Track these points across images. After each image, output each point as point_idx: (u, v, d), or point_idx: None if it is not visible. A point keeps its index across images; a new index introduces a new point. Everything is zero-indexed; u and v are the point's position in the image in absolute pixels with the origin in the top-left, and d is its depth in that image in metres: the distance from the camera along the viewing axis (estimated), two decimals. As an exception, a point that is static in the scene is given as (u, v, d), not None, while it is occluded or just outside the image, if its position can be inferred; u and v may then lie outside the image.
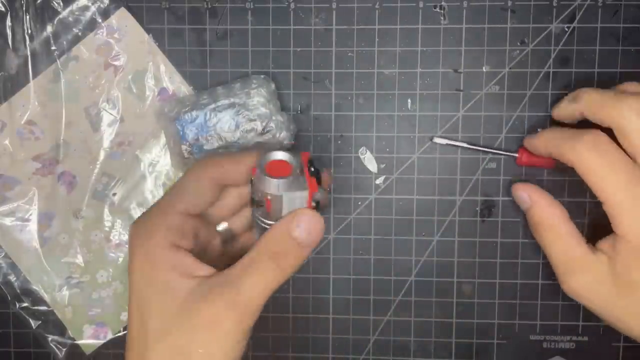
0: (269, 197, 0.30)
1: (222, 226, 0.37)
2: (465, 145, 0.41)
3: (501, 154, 0.41)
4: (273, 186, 0.30)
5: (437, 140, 0.41)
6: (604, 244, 0.35)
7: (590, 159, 0.33)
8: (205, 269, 0.31)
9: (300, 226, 0.30)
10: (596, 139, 0.33)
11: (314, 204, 0.31)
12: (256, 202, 0.31)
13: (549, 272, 0.42)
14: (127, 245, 0.44)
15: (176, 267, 0.30)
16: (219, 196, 0.35)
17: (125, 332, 0.44)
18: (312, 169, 0.32)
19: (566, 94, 0.38)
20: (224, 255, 0.36)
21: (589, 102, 0.35)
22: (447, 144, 0.41)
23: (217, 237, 0.36)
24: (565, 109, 0.37)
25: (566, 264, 0.36)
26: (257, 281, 0.30)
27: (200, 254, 0.32)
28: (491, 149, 0.41)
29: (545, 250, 0.37)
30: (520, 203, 0.39)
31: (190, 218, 0.33)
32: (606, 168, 0.33)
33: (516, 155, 0.41)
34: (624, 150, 0.33)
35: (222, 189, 0.34)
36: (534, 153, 0.39)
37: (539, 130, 0.39)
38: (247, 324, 0.30)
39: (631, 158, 0.33)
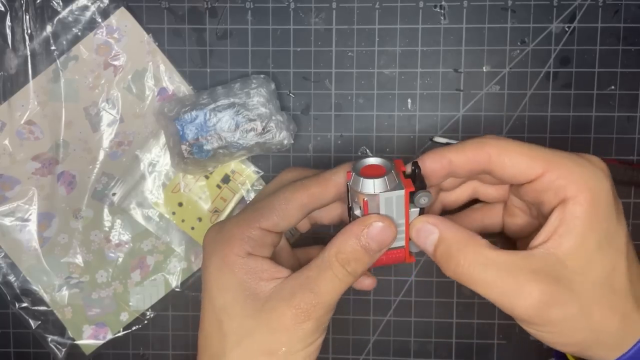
0: (365, 199, 0.30)
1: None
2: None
3: None
4: (369, 186, 0.30)
5: (438, 139, 0.41)
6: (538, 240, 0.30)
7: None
8: (281, 271, 0.31)
9: (368, 235, 0.30)
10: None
11: (414, 206, 0.30)
12: (353, 216, 0.31)
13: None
14: (127, 245, 0.44)
15: (254, 271, 0.31)
16: (303, 217, 0.33)
17: (125, 332, 0.44)
18: (408, 172, 0.31)
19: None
20: (292, 256, 0.37)
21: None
22: (447, 144, 0.41)
23: (283, 237, 0.36)
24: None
25: (514, 280, 0.28)
26: (331, 284, 0.31)
27: (274, 255, 0.34)
28: None
29: (479, 281, 0.29)
30: (425, 239, 0.31)
31: (271, 233, 0.32)
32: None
33: None
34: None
35: (308, 211, 0.33)
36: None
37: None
38: (325, 322, 0.31)
39: None
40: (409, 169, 0.31)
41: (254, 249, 0.32)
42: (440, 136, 0.42)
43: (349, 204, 0.31)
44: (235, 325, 0.31)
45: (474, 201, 0.36)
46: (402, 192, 0.30)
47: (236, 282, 0.31)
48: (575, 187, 0.28)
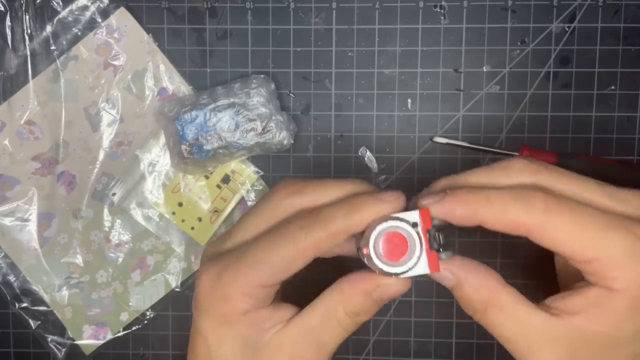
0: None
1: None
2: (465, 144, 0.41)
3: (501, 154, 0.41)
4: (388, 270, 0.27)
5: (438, 139, 0.41)
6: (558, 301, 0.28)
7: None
8: (283, 311, 0.30)
9: (382, 293, 0.29)
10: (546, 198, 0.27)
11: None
12: (362, 255, 0.28)
13: (549, 271, 0.42)
14: (127, 245, 0.44)
15: (256, 324, 0.29)
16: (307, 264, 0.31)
17: (125, 332, 0.44)
18: (435, 238, 0.28)
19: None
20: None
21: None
22: (447, 143, 0.41)
23: None
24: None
25: (530, 341, 0.28)
26: (336, 334, 0.29)
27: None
28: (491, 148, 0.41)
29: (496, 333, 0.29)
30: (442, 281, 0.30)
31: (274, 285, 0.30)
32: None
33: (517, 154, 0.41)
34: None
35: (313, 258, 0.30)
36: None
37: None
38: None
39: None
40: (432, 231, 0.28)
41: (254, 305, 0.29)
42: (441, 136, 0.42)
43: (358, 245, 0.29)
44: None
45: None
46: (424, 271, 0.28)
47: (236, 335, 0.29)
48: (624, 284, 0.26)
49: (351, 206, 0.28)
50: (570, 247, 0.27)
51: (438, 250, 0.28)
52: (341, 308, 0.29)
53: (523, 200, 0.27)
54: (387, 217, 0.27)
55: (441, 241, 0.28)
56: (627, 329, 0.27)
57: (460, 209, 0.27)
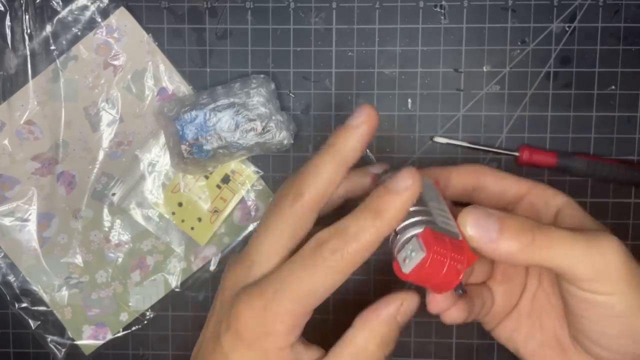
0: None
1: None
2: (465, 144, 0.41)
3: (502, 154, 0.41)
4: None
5: (438, 139, 0.41)
6: None
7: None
8: (312, 353, 0.30)
9: (405, 312, 0.29)
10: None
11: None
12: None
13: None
14: (126, 245, 0.43)
15: None
16: None
17: (125, 332, 0.44)
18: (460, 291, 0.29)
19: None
20: None
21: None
22: (447, 144, 0.41)
23: None
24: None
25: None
26: None
27: None
28: (492, 148, 0.41)
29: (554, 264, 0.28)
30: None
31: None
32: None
33: (517, 154, 0.41)
34: None
35: None
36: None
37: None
38: None
39: None
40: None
41: (295, 336, 0.29)
42: (441, 136, 0.42)
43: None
44: None
45: None
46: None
47: None
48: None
49: (376, 212, 0.27)
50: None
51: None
52: (371, 343, 0.29)
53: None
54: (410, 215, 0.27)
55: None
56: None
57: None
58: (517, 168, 0.41)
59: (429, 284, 0.27)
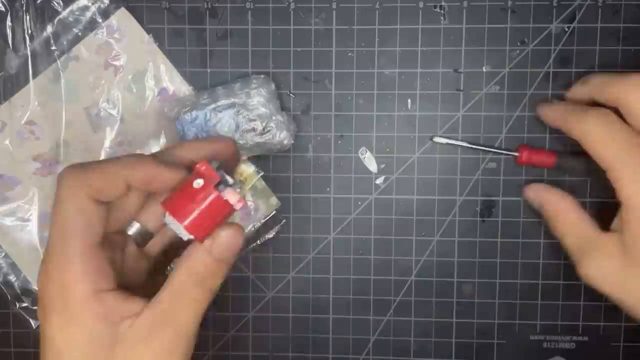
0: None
1: (133, 228, 0.32)
2: (465, 144, 0.41)
3: (501, 153, 0.41)
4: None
5: (438, 139, 0.41)
6: (614, 222, 0.36)
7: (594, 130, 0.34)
8: (132, 304, 0.28)
9: (220, 245, 0.28)
10: (602, 113, 0.34)
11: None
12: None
13: (549, 272, 0.42)
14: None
15: (103, 316, 0.27)
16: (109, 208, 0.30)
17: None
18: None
19: (564, 94, 0.38)
20: (142, 259, 0.33)
21: (595, 83, 0.36)
22: (447, 144, 0.41)
23: (130, 241, 0.32)
24: (576, 92, 0.38)
25: (580, 248, 0.36)
26: (191, 311, 0.28)
27: (118, 270, 0.30)
28: (491, 148, 0.41)
29: (562, 241, 0.38)
30: (532, 204, 0.40)
31: (103, 245, 0.28)
32: (609, 137, 0.34)
33: (516, 154, 0.41)
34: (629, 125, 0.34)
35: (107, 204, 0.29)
36: (545, 121, 0.39)
37: (554, 102, 0.40)
38: (189, 352, 0.29)
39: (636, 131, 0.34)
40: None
41: (97, 284, 0.27)
42: (441, 136, 0.42)
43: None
44: None
45: None
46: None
47: (85, 334, 0.27)
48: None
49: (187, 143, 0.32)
50: (597, 155, 0.35)
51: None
52: (189, 281, 0.28)
53: (582, 112, 0.36)
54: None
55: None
56: None
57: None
58: (516, 168, 0.42)
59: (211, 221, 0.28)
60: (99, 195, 0.28)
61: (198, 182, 0.27)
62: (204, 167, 0.28)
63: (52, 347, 0.28)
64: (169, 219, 0.28)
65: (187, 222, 0.27)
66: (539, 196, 0.39)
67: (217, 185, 0.28)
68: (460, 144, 0.41)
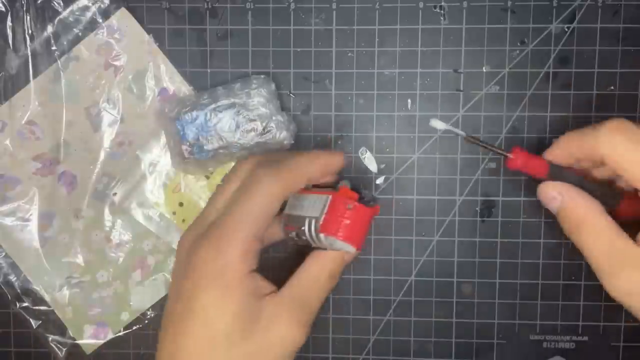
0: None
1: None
2: (462, 133, 0.36)
3: (495, 151, 0.36)
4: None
5: (434, 123, 0.37)
6: None
7: (618, 143, 0.31)
8: (267, 284, 0.33)
9: (350, 254, 0.35)
10: (619, 122, 0.32)
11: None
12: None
13: (549, 272, 0.42)
14: (127, 245, 0.44)
15: (253, 291, 0.32)
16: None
17: (126, 331, 0.44)
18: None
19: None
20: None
21: (569, 145, 0.34)
22: (445, 129, 0.37)
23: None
24: (554, 155, 0.35)
25: (610, 259, 0.32)
26: (322, 296, 0.34)
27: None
28: (486, 145, 0.36)
29: (585, 249, 0.33)
30: (549, 203, 0.35)
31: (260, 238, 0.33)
32: (636, 150, 0.31)
33: (510, 156, 0.36)
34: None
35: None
36: (561, 164, 0.35)
37: (554, 140, 0.36)
38: (309, 334, 0.34)
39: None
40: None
41: (251, 265, 0.32)
42: (439, 120, 0.37)
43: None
44: (230, 347, 0.31)
45: None
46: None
47: (237, 304, 0.31)
48: None
49: (317, 158, 0.35)
50: (628, 174, 0.32)
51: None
52: (322, 274, 0.34)
53: (595, 129, 0.33)
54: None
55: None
56: None
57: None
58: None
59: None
60: (286, 194, 0.34)
61: (350, 205, 0.33)
62: (344, 189, 0.34)
63: (202, 317, 0.31)
64: (330, 240, 0.33)
65: (346, 235, 0.33)
66: (560, 194, 0.34)
67: (359, 201, 0.34)
68: (458, 132, 0.37)
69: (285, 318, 0.32)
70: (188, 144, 0.40)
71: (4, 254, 0.44)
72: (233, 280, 0.31)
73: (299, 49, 0.42)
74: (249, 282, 0.32)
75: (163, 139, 0.43)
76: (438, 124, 0.37)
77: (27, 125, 0.43)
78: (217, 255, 0.31)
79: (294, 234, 0.35)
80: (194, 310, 0.31)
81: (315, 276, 0.34)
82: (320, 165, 0.35)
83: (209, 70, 0.43)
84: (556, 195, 0.35)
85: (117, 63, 0.42)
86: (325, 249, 0.35)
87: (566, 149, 0.35)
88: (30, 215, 0.43)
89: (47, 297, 0.44)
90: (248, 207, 0.32)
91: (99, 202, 0.43)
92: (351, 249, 0.34)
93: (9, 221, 0.43)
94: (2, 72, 0.42)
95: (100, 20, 0.42)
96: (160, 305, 0.44)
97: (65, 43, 0.42)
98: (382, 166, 0.42)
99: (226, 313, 0.31)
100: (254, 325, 0.31)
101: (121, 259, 0.44)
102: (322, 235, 0.33)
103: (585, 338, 0.43)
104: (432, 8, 0.41)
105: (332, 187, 0.36)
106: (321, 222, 0.33)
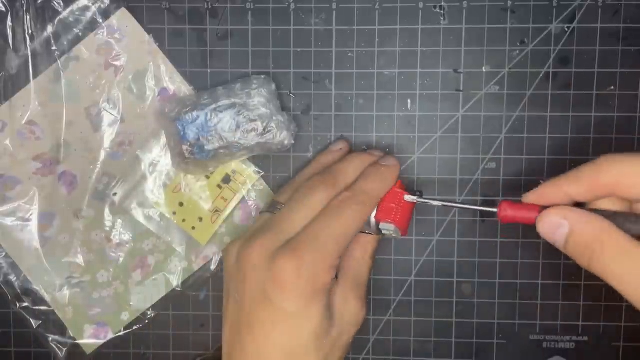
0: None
1: None
2: (438, 203, 0.36)
3: (478, 210, 0.35)
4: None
5: (408, 198, 0.37)
6: None
7: (624, 164, 0.28)
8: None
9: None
10: (611, 154, 0.29)
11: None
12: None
13: (549, 272, 0.42)
14: (127, 245, 0.44)
15: (328, 294, 0.35)
16: None
17: (126, 331, 0.44)
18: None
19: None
20: None
21: (548, 192, 0.31)
22: (418, 202, 0.36)
23: None
24: (530, 199, 0.32)
25: (637, 277, 0.27)
26: (368, 276, 0.39)
27: None
28: (469, 205, 0.35)
29: (609, 274, 0.28)
30: (554, 233, 0.30)
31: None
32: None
33: (495, 210, 0.33)
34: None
35: None
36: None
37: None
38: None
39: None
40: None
41: (334, 275, 0.35)
42: (410, 194, 0.37)
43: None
44: (322, 343, 0.34)
45: None
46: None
47: (321, 307, 0.34)
48: None
49: (381, 177, 0.37)
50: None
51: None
52: (366, 255, 0.38)
53: (597, 168, 0.30)
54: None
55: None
56: None
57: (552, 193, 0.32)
58: (517, 168, 0.42)
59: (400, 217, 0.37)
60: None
61: (408, 198, 0.37)
62: (397, 186, 0.37)
63: (290, 321, 0.33)
64: (386, 225, 0.36)
65: (399, 221, 0.36)
66: (566, 221, 0.29)
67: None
68: (434, 203, 0.36)
69: (352, 298, 0.36)
70: (188, 144, 0.40)
71: (4, 254, 0.44)
72: (321, 288, 0.34)
73: (299, 49, 0.42)
74: (329, 287, 0.35)
75: (163, 139, 0.43)
76: (410, 199, 0.37)
77: (27, 125, 0.43)
78: (306, 268, 0.33)
79: None
80: (276, 312, 0.33)
81: (360, 257, 0.38)
82: (393, 182, 0.37)
83: (209, 71, 0.43)
84: (561, 220, 0.29)
85: (117, 63, 0.42)
86: (370, 233, 0.38)
87: (552, 193, 0.31)
88: (31, 215, 0.43)
89: (47, 297, 0.44)
90: (341, 227, 0.35)
91: (99, 202, 0.44)
92: (398, 234, 0.37)
93: (9, 221, 0.43)
94: (2, 72, 0.42)
95: (101, 20, 0.42)
96: (160, 305, 0.44)
97: (65, 43, 0.42)
98: (382, 166, 0.42)
99: (313, 315, 0.34)
100: (333, 314, 0.35)
101: (121, 259, 0.44)
102: (373, 221, 0.36)
103: (585, 338, 0.43)
104: (432, 8, 0.41)
105: None
106: (377, 209, 0.36)
